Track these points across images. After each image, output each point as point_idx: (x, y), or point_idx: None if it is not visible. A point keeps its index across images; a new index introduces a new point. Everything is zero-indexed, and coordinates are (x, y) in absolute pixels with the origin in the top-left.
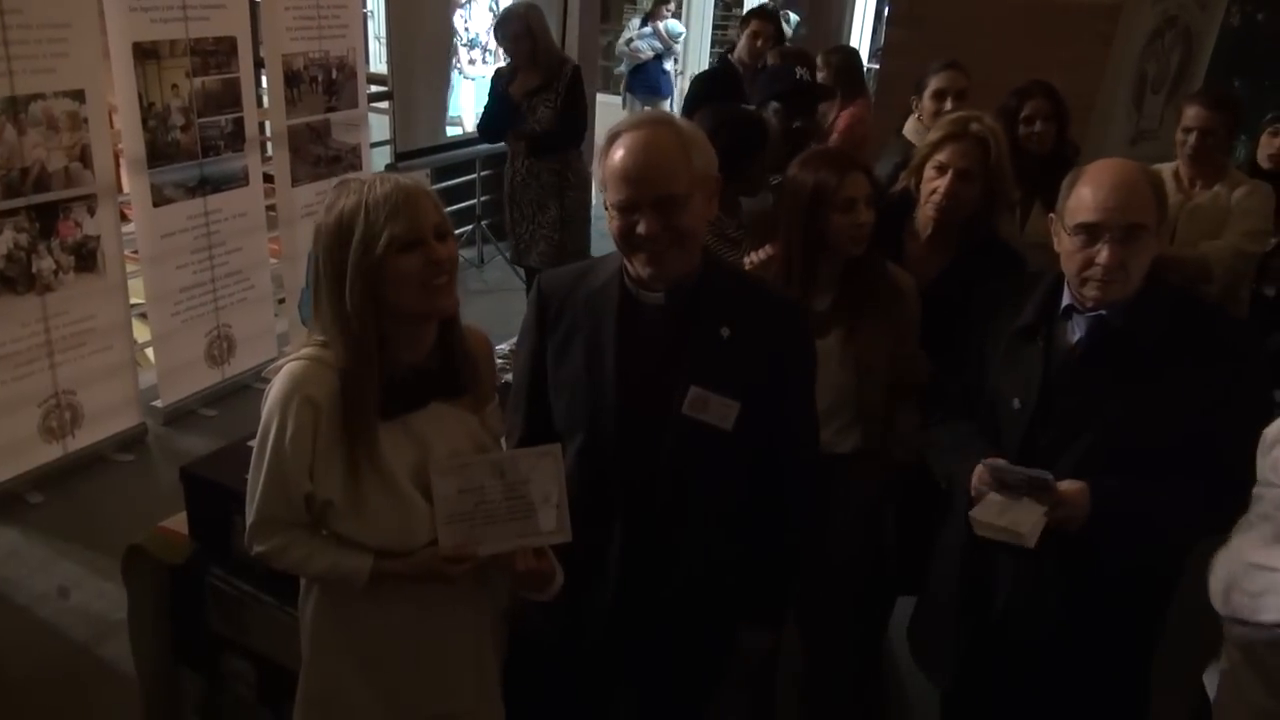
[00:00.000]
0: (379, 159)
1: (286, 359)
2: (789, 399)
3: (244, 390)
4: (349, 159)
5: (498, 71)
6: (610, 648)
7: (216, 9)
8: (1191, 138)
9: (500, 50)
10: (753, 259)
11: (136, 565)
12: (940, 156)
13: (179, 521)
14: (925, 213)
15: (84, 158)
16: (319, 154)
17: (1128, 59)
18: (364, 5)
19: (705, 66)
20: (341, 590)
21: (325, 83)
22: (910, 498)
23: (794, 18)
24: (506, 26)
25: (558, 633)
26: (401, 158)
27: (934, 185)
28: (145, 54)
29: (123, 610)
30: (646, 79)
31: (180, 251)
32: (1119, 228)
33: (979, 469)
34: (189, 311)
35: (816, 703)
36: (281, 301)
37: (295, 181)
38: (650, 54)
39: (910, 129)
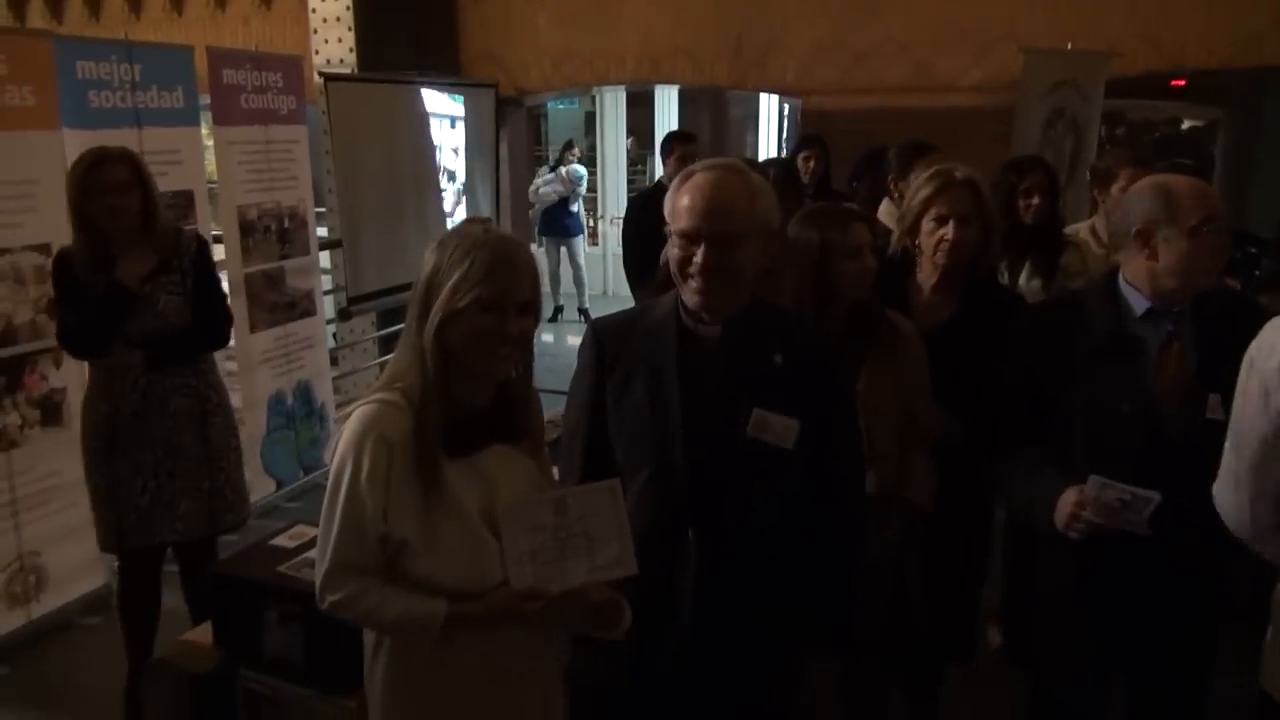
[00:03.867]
0: (328, 305)
1: (356, 404)
2: (838, 420)
3: None
4: (304, 304)
5: (61, 255)
6: (684, 682)
7: (173, 165)
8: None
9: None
10: None
11: (158, 681)
12: (938, 208)
13: (202, 633)
14: (934, 261)
15: (50, 310)
16: (274, 300)
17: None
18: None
19: (623, 202)
20: (413, 645)
21: (278, 231)
22: (934, 549)
23: None
24: (104, 172)
25: (626, 675)
26: (353, 301)
27: (939, 235)
28: None
29: None
30: (554, 221)
31: None
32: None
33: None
34: None
35: None
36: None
37: (253, 328)
38: (555, 198)
39: (884, 212)
